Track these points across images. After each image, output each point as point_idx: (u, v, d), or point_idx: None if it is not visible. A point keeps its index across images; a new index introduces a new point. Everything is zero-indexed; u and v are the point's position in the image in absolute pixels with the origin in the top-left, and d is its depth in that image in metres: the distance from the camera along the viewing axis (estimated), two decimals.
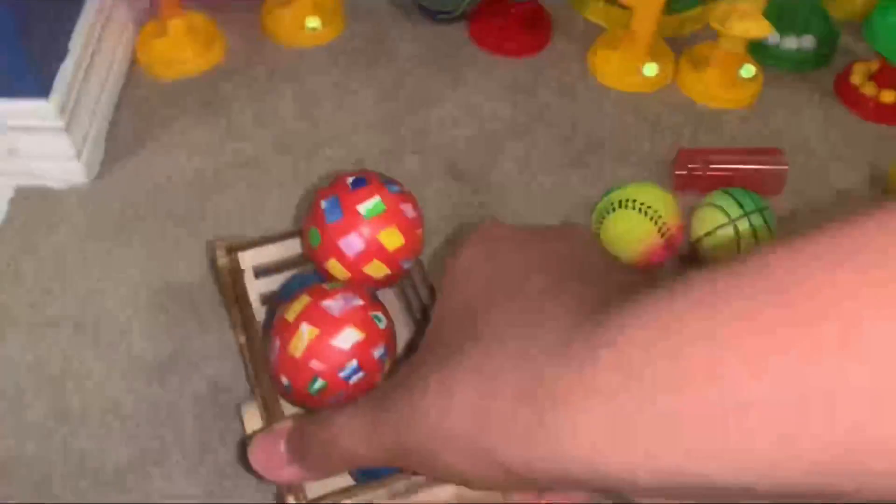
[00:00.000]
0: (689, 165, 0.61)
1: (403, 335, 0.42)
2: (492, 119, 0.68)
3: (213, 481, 0.47)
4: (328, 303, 0.36)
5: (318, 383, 0.35)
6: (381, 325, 0.37)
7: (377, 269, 0.39)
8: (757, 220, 0.55)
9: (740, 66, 0.70)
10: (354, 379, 0.36)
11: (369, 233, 0.38)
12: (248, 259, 0.44)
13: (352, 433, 0.28)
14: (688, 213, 0.58)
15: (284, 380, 0.36)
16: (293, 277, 0.44)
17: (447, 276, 0.30)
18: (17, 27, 0.52)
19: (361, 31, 0.74)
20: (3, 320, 0.53)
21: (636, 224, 0.54)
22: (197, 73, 0.68)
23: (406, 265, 0.40)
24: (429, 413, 0.26)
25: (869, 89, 0.70)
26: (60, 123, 0.57)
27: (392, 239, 0.39)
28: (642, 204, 0.54)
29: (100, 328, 0.53)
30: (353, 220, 0.38)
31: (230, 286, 0.42)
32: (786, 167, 0.61)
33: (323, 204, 0.39)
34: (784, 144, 0.67)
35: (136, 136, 0.65)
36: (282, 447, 0.32)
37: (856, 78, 0.71)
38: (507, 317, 0.26)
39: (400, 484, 0.34)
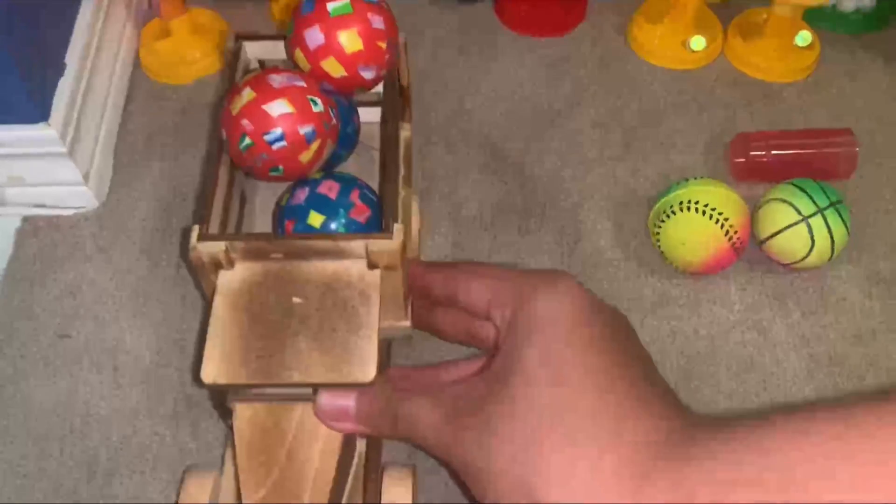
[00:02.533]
0: (751, 153, 0.56)
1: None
2: (526, 106, 0.62)
3: None
4: (274, 76, 0.41)
5: (246, 141, 0.40)
6: (315, 108, 0.41)
7: (333, 68, 0.43)
8: (832, 216, 0.50)
9: (795, 34, 0.64)
10: (277, 146, 0.41)
11: (330, 29, 0.42)
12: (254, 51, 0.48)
13: (430, 432, 0.35)
14: (752, 210, 0.53)
15: (224, 134, 0.41)
16: None
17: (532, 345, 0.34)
18: (9, 45, 0.47)
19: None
20: (19, 362, 0.50)
21: (700, 228, 0.49)
22: (207, 74, 0.63)
23: (365, 73, 0.44)
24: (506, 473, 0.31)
25: None
26: (63, 149, 0.52)
27: (351, 41, 0.42)
28: (706, 205, 0.49)
29: (120, 368, 0.50)
30: (320, 15, 0.42)
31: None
32: (856, 149, 0.56)
33: None
34: (847, 116, 0.62)
35: (146, 148, 0.60)
36: (351, 403, 0.39)
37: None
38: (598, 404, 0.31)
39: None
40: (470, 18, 0.68)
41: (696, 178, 0.51)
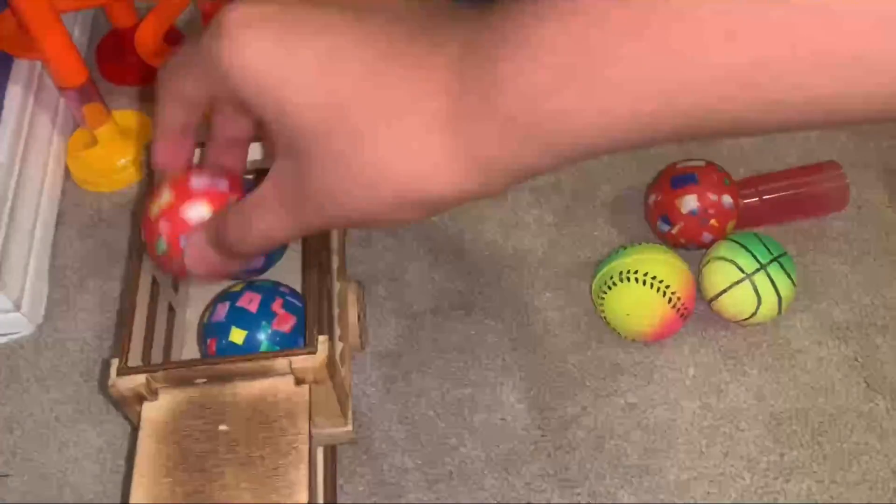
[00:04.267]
0: (743, 200, 0.54)
1: None
2: None
3: None
4: (194, 178, 0.37)
5: (163, 246, 0.37)
6: None
7: None
8: (775, 270, 0.48)
9: None
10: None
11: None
12: None
13: (266, 219, 0.29)
14: (696, 269, 0.52)
15: (143, 235, 0.39)
16: None
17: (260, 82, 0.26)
18: None
19: None
20: None
21: (643, 299, 0.48)
22: (138, 180, 0.62)
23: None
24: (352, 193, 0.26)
25: None
26: None
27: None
28: (646, 274, 0.48)
29: None
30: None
31: None
32: (847, 181, 0.55)
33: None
34: (792, 154, 0.61)
35: (82, 263, 0.59)
36: (203, 239, 0.33)
37: None
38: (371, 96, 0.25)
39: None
40: None
41: (634, 245, 0.50)
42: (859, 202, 0.58)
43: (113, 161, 0.61)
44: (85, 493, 0.48)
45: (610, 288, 0.49)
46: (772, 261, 0.48)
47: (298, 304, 0.44)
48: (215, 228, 0.33)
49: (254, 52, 0.26)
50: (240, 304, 0.43)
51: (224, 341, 0.43)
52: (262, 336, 0.43)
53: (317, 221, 0.29)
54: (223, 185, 0.37)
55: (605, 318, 0.51)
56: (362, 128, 0.25)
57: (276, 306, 0.43)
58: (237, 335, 0.43)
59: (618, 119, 0.23)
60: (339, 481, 0.48)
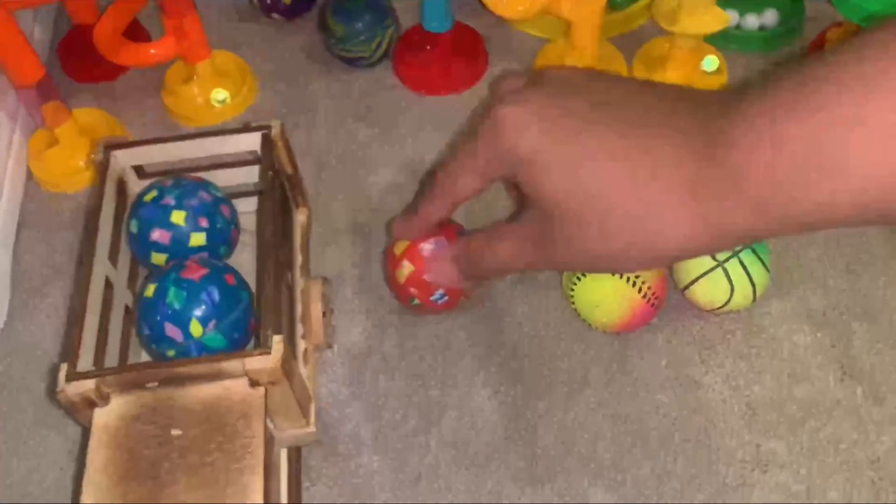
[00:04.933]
0: None
1: None
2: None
3: None
4: (423, 245, 0.48)
5: (415, 301, 0.50)
6: None
7: None
8: (748, 257, 0.47)
9: (701, 60, 0.62)
10: (441, 301, 0.49)
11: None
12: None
13: (510, 250, 0.39)
14: None
15: (393, 293, 0.51)
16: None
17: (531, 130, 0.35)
18: None
19: (276, 94, 0.66)
20: None
21: (613, 289, 0.47)
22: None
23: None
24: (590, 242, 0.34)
25: None
26: None
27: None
28: None
29: None
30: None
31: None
32: None
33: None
34: None
35: (44, 266, 0.57)
36: (448, 258, 0.45)
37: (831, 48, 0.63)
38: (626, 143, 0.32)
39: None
40: (368, 83, 0.66)
41: None
42: None
43: (74, 161, 0.60)
44: (50, 501, 0.47)
45: (579, 279, 0.48)
46: (744, 247, 0.47)
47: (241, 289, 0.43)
48: (462, 250, 0.43)
49: (527, 143, 0.34)
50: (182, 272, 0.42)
51: (141, 298, 0.42)
52: (167, 283, 0.41)
53: (554, 261, 0.37)
54: (443, 244, 0.48)
55: (575, 310, 0.50)
56: (610, 204, 0.32)
57: (193, 262, 0.42)
58: (149, 289, 0.42)
59: (841, 203, 0.27)
60: (305, 483, 0.47)
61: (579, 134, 0.33)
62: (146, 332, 0.42)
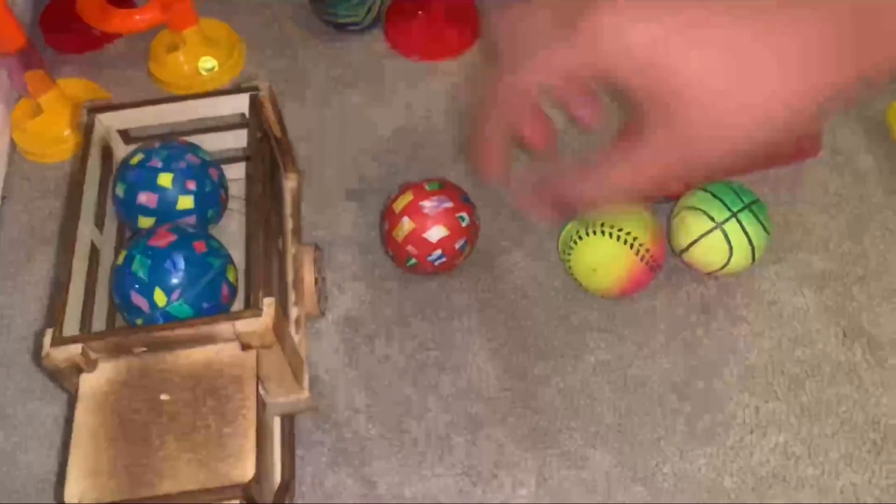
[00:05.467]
0: None
1: None
2: (429, 138, 0.59)
3: None
4: (425, 202, 0.47)
5: (412, 261, 0.49)
6: (464, 224, 0.48)
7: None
8: (747, 218, 0.46)
9: None
10: (438, 262, 0.48)
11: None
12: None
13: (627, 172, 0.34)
14: (666, 220, 0.50)
15: (390, 252, 0.50)
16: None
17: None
18: None
19: (265, 62, 0.65)
20: None
21: (610, 252, 0.46)
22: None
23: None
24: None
25: None
26: None
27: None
28: (612, 227, 0.46)
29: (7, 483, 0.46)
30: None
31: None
32: (819, 126, 0.53)
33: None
34: None
35: (30, 236, 0.56)
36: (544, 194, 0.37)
37: None
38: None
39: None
40: (360, 49, 0.64)
41: None
42: (835, 149, 0.56)
43: (59, 130, 0.59)
44: (38, 472, 0.46)
45: (576, 243, 0.47)
46: (743, 208, 0.46)
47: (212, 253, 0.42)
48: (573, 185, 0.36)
49: (639, 32, 0.30)
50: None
51: (113, 265, 0.42)
52: (135, 251, 0.40)
53: (692, 161, 0.33)
54: (448, 203, 0.48)
55: (572, 274, 0.49)
56: (743, 68, 0.30)
57: (163, 229, 0.41)
58: (120, 257, 0.41)
59: None
60: (300, 451, 0.46)
61: (690, 10, 0.30)
62: (117, 300, 0.41)
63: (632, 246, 0.46)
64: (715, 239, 0.47)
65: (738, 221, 0.46)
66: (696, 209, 0.47)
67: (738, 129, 0.32)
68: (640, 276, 0.47)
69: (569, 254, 0.48)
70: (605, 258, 0.46)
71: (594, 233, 0.46)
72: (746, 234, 0.46)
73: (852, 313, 0.49)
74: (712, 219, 0.47)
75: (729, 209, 0.46)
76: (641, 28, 0.31)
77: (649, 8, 0.31)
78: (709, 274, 0.49)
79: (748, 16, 0.30)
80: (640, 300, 0.50)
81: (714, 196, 0.47)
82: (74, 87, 0.61)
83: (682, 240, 0.48)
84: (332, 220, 0.55)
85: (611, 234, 0.46)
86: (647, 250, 0.46)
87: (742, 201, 0.47)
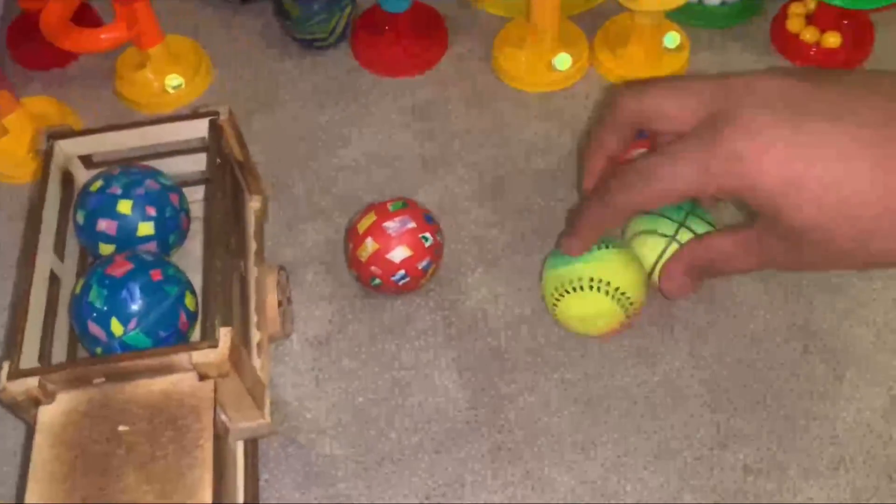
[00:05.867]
0: None
1: None
2: (398, 160, 0.59)
3: None
4: (388, 223, 0.48)
5: (376, 281, 0.49)
6: (428, 244, 0.49)
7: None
8: (695, 222, 0.47)
9: (663, 36, 0.62)
10: (402, 282, 0.49)
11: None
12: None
13: (743, 263, 0.40)
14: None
15: (354, 272, 0.50)
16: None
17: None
18: None
19: (233, 79, 0.65)
20: None
21: (604, 309, 0.46)
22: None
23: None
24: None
25: (809, 35, 0.61)
26: None
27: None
28: (608, 284, 0.45)
29: None
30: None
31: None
32: None
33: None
34: None
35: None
36: (680, 271, 0.43)
37: (792, 24, 0.62)
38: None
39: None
40: (327, 66, 0.64)
41: (593, 251, 0.46)
42: None
43: (24, 151, 0.58)
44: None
45: (570, 292, 0.46)
46: (687, 215, 0.47)
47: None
48: (694, 259, 0.43)
49: (772, 160, 0.33)
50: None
51: (72, 294, 0.42)
52: (91, 280, 0.40)
53: (796, 266, 0.38)
54: (411, 223, 0.48)
55: (555, 314, 0.48)
56: (871, 227, 0.32)
57: (121, 257, 0.41)
58: (78, 286, 0.41)
59: None
60: (265, 475, 0.46)
61: (833, 163, 0.33)
62: (76, 329, 0.41)
63: (623, 306, 0.46)
64: (672, 252, 0.47)
65: (689, 228, 0.47)
66: (644, 233, 0.48)
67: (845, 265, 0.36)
68: (621, 329, 0.48)
69: (559, 297, 0.47)
70: (596, 314, 0.46)
71: (589, 288, 0.45)
72: (699, 236, 0.47)
73: (814, 327, 0.49)
74: (664, 235, 0.47)
75: (674, 220, 0.47)
76: (776, 164, 0.33)
77: (793, 137, 0.33)
78: None
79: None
80: None
81: (655, 214, 0.47)
82: (40, 105, 0.61)
83: (646, 266, 0.48)
84: (300, 239, 0.55)
85: (607, 293, 0.45)
86: (635, 308, 0.46)
87: (683, 209, 0.47)
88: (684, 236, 0.47)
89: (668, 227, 0.47)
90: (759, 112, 0.34)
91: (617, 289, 0.45)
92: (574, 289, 0.46)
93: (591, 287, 0.46)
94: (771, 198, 0.34)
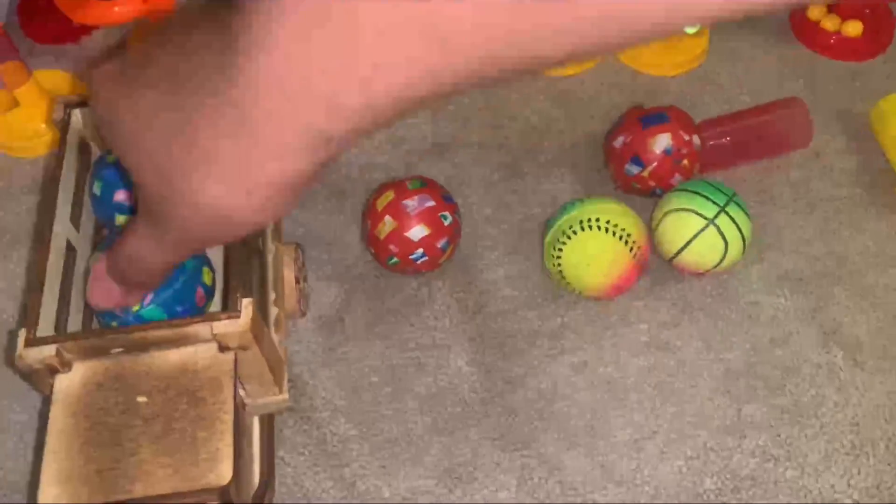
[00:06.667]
0: (710, 142, 0.52)
1: None
2: (410, 141, 0.58)
3: None
4: (407, 201, 0.47)
5: (394, 260, 0.48)
6: (447, 223, 0.48)
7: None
8: (734, 210, 0.47)
9: None
10: (420, 261, 0.48)
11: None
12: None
13: (143, 245, 0.33)
14: (647, 226, 0.50)
15: (371, 251, 0.49)
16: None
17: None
18: None
19: None
20: None
21: (607, 246, 0.46)
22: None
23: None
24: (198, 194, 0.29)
25: (830, 23, 0.61)
26: None
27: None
28: (607, 222, 0.46)
29: None
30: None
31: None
32: (811, 116, 0.54)
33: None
34: (743, 100, 0.59)
35: (6, 232, 0.55)
36: (105, 277, 0.36)
37: (813, 12, 0.62)
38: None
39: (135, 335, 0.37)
40: None
41: (590, 197, 0.48)
42: (815, 148, 0.56)
43: (36, 124, 0.58)
44: (6, 473, 0.46)
45: (570, 238, 0.46)
46: (728, 201, 0.47)
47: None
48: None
49: (101, 103, 0.31)
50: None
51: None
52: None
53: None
54: (430, 202, 0.47)
55: (560, 272, 0.48)
56: (182, 163, 0.29)
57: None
58: (93, 258, 0.40)
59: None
60: (280, 452, 0.45)
61: (145, 94, 0.30)
62: None
63: (626, 242, 0.46)
64: (709, 236, 0.47)
65: (728, 215, 0.46)
66: (683, 210, 0.47)
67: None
68: (631, 274, 0.47)
69: (560, 249, 0.47)
70: (600, 252, 0.46)
71: (589, 227, 0.46)
72: (738, 226, 0.47)
73: (831, 315, 0.49)
74: (703, 216, 0.47)
75: (716, 204, 0.47)
76: (107, 100, 0.31)
77: (124, 81, 0.30)
78: (700, 274, 0.49)
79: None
80: (620, 301, 0.50)
81: (697, 194, 0.47)
82: (53, 78, 0.60)
83: (675, 243, 0.48)
84: (314, 219, 0.55)
85: (607, 230, 0.46)
86: (639, 247, 0.46)
87: (725, 194, 0.47)
88: (724, 221, 0.47)
89: (708, 207, 0.47)
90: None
91: (616, 225, 0.45)
92: (574, 232, 0.46)
93: (589, 227, 0.46)
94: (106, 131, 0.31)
